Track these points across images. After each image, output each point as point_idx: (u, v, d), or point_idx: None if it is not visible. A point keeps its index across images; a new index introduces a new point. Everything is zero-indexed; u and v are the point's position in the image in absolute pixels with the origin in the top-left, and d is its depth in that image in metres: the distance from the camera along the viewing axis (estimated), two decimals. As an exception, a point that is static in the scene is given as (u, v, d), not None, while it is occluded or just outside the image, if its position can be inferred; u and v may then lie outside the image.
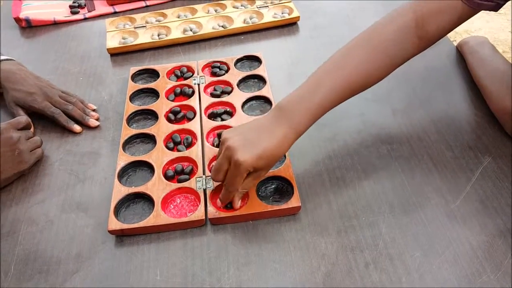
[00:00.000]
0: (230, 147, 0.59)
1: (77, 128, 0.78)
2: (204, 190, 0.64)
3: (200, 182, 0.65)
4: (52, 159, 0.73)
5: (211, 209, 0.62)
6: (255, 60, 0.89)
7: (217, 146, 0.71)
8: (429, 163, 0.67)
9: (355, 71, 0.64)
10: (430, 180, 0.65)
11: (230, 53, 0.94)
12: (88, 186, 0.68)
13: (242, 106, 0.78)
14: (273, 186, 0.65)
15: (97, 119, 0.80)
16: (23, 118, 0.72)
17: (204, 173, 0.67)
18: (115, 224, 0.60)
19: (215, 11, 1.04)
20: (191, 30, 0.98)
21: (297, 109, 0.61)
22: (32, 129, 0.75)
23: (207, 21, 1.00)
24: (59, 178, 0.70)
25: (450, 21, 0.65)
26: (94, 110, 0.82)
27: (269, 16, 1.01)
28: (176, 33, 0.97)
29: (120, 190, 0.65)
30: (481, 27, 2.38)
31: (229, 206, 0.63)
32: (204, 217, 0.61)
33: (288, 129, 0.60)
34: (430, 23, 0.65)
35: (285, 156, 0.68)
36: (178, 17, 1.03)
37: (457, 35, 2.10)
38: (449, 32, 0.67)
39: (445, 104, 0.78)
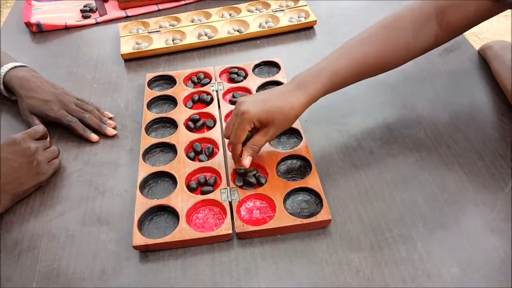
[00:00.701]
0: (240, 102, 0.64)
1: (94, 137, 0.76)
2: (230, 203, 0.62)
3: (225, 194, 0.63)
4: (69, 170, 0.71)
5: (238, 223, 0.60)
6: (273, 65, 0.88)
7: (240, 156, 0.69)
8: (459, 172, 0.66)
9: (374, 52, 0.66)
10: (463, 190, 0.63)
11: (246, 58, 0.92)
12: (108, 198, 0.66)
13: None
14: (299, 198, 0.63)
15: (114, 128, 0.78)
16: (40, 127, 0.70)
17: (228, 185, 0.65)
18: (139, 239, 0.58)
19: (230, 15, 1.02)
20: (206, 35, 0.96)
21: (313, 79, 0.65)
22: (48, 139, 0.73)
23: (222, 26, 0.98)
24: (78, 189, 0.68)
25: (471, 13, 0.64)
26: (110, 118, 0.80)
27: (285, 20, 0.99)
28: (191, 38, 0.95)
29: (143, 203, 0.63)
30: (488, 28, 2.36)
31: (241, 171, 0.65)
32: (231, 231, 0.59)
33: (302, 93, 0.64)
34: (452, 13, 0.65)
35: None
36: (192, 21, 1.01)
37: (469, 37, 2.08)
38: (471, 26, 0.67)
39: (471, 110, 0.76)
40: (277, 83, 0.82)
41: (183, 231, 0.59)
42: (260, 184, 0.65)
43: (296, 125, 0.72)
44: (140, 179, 0.66)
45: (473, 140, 0.70)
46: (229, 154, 0.69)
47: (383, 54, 0.67)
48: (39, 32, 1.03)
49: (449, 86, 0.81)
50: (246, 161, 0.63)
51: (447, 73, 0.84)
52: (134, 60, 0.93)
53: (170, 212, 0.63)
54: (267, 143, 0.67)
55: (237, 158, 0.65)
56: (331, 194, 0.64)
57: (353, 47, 0.68)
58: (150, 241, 0.58)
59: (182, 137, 0.73)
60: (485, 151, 0.69)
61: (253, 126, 0.63)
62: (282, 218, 0.59)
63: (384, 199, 0.63)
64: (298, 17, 0.99)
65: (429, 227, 0.59)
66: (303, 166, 0.68)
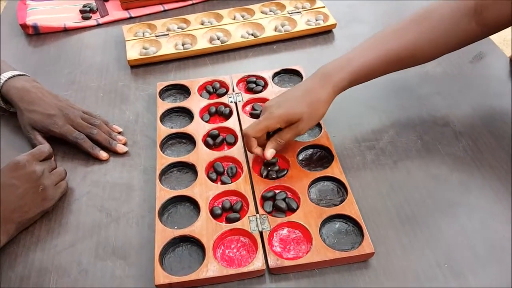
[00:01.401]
0: (266, 107, 0.64)
1: (103, 155, 0.69)
2: (261, 233, 0.56)
3: (254, 223, 0.57)
4: (78, 193, 0.65)
5: (271, 257, 0.54)
6: (293, 73, 0.81)
7: (267, 177, 0.64)
8: (508, 199, 0.60)
9: (404, 45, 0.64)
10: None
11: (263, 64, 0.86)
12: (123, 226, 0.60)
13: (287, 128, 0.70)
14: (336, 226, 0.58)
15: (125, 144, 0.71)
16: (45, 147, 0.63)
17: (256, 211, 0.59)
18: (163, 277, 0.52)
19: (242, 17, 0.95)
20: (218, 39, 0.90)
21: (340, 70, 0.63)
22: (53, 158, 0.66)
23: (235, 29, 0.91)
24: (88, 216, 0.62)
25: (510, 11, 0.61)
26: (120, 133, 0.73)
27: (302, 23, 0.92)
28: (202, 43, 0.89)
29: (163, 233, 0.57)
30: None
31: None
32: (264, 267, 0.53)
33: (327, 86, 0.63)
34: (490, 10, 0.62)
35: (346, 193, 0.60)
36: (202, 24, 0.94)
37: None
38: (509, 25, 0.63)
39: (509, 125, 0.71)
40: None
41: (211, 267, 0.53)
42: (291, 210, 0.59)
43: (327, 142, 0.67)
44: (158, 204, 0.60)
45: (516, 159, 0.66)
46: (255, 175, 0.63)
47: (416, 47, 0.65)
48: (36, 34, 0.95)
49: (484, 97, 0.76)
50: (268, 153, 0.62)
51: (480, 84, 0.79)
52: (141, 66, 0.86)
53: (194, 243, 0.57)
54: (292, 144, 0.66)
55: (248, 146, 0.64)
56: (369, 220, 0.58)
57: (384, 38, 0.66)
58: (175, 279, 0.52)
59: (201, 156, 0.66)
60: (530, 171, 0.64)
61: (278, 127, 0.62)
62: (320, 251, 0.54)
63: (428, 227, 0.58)
64: (316, 20, 0.93)
65: (481, 260, 0.54)
66: (337, 188, 0.62)
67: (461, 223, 0.58)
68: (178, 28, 0.93)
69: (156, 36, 0.90)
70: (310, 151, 0.67)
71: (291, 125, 0.62)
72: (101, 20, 0.99)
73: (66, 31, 0.97)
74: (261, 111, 0.66)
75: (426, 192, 0.62)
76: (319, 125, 0.70)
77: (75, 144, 0.69)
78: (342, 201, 0.59)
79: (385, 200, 0.61)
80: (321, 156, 0.67)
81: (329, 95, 0.63)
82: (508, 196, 0.61)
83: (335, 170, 0.63)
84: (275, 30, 0.91)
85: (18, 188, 0.57)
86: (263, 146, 0.64)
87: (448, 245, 0.56)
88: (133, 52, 0.87)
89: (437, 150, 0.67)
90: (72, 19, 0.99)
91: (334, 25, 0.92)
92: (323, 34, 0.92)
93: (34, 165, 0.59)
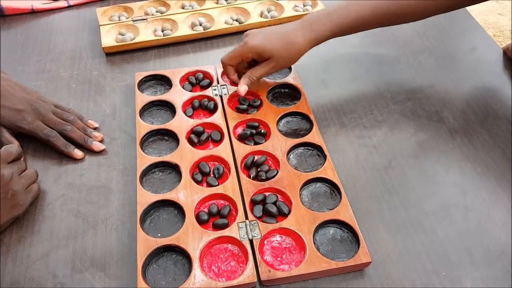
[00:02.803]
0: (245, 34, 0.68)
1: (78, 153, 0.64)
2: (251, 241, 0.53)
3: (243, 230, 0.54)
4: (51, 196, 0.60)
5: (263, 268, 0.51)
6: (281, 64, 0.77)
7: (256, 179, 0.60)
8: (505, 201, 0.59)
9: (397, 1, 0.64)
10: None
11: (248, 53, 0.81)
12: (101, 234, 0.56)
13: (277, 123, 0.67)
14: (330, 232, 0.55)
15: (101, 141, 0.66)
16: (13, 147, 0.58)
17: (246, 217, 0.55)
18: (146, 291, 0.49)
19: (226, 1, 0.90)
20: (201, 25, 0.84)
21: (324, 19, 0.65)
22: (22, 158, 0.61)
23: (218, 14, 0.86)
24: (63, 222, 0.57)
25: None
26: (95, 129, 0.68)
27: (290, 8, 0.88)
28: (183, 29, 0.83)
29: (146, 243, 0.52)
30: (471, 8, 2.31)
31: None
32: (255, 279, 0.50)
33: (308, 32, 0.65)
34: None
35: (340, 195, 0.57)
36: (183, 8, 0.88)
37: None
38: None
39: (506, 122, 0.69)
40: (290, 87, 0.72)
41: (198, 280, 0.49)
42: (283, 215, 0.56)
43: (318, 140, 0.63)
44: (140, 210, 0.56)
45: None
46: (243, 177, 0.60)
47: (406, 4, 0.64)
48: (0, 16, 0.88)
49: (480, 92, 0.73)
50: (242, 89, 0.66)
51: (475, 78, 0.76)
52: (117, 54, 0.80)
53: (179, 252, 0.53)
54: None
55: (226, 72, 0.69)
56: (364, 225, 0.56)
57: None
58: (160, 293, 0.49)
59: (185, 155, 0.62)
60: (525, 170, 0.62)
61: (251, 57, 0.66)
62: (315, 261, 0.51)
63: (425, 231, 0.56)
64: (304, 6, 0.89)
65: (477, 265, 0.53)
66: (330, 190, 0.59)
67: (457, 226, 0.56)
68: (156, 11, 0.87)
69: (134, 21, 0.84)
70: (301, 150, 0.64)
71: (263, 62, 0.66)
72: (72, 1, 0.91)
73: (34, 13, 0.89)
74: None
75: (421, 192, 0.59)
76: (310, 122, 0.67)
77: (47, 142, 0.63)
78: (335, 205, 0.56)
79: (379, 203, 0.59)
80: (312, 155, 0.63)
81: (307, 43, 0.65)
82: (506, 199, 0.59)
83: (328, 171, 0.60)
84: (261, 16, 0.86)
85: None
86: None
87: (444, 249, 0.54)
88: (109, 38, 0.81)
89: (431, 147, 0.65)
90: (41, 0, 0.91)
91: (322, 11, 0.87)
92: (311, 20, 0.88)
93: (1, 168, 0.54)
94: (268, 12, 0.87)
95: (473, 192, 0.60)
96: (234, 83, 0.70)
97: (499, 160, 0.63)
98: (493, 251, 0.54)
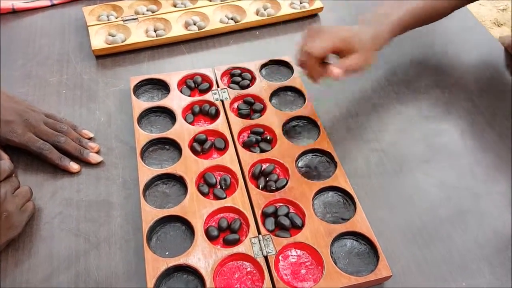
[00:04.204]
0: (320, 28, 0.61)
1: (74, 166, 0.60)
2: (266, 258, 0.51)
3: (257, 245, 0.51)
4: (48, 215, 0.56)
5: (280, 286, 0.48)
6: (282, 64, 0.74)
7: (265, 189, 0.57)
8: (517, 203, 0.58)
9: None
10: (525, 226, 0.56)
11: (246, 52, 0.78)
12: (105, 254, 0.52)
13: (282, 128, 0.64)
14: (347, 245, 0.53)
15: (98, 152, 0.62)
16: (5, 164, 0.53)
17: (258, 231, 0.53)
18: (159, 316, 0.46)
19: (220, -2, 0.86)
20: (195, 24, 0.80)
21: (382, 23, 0.63)
22: (14, 174, 0.57)
23: (212, 12, 0.82)
24: (63, 242, 0.53)
25: None
26: (91, 139, 0.64)
27: (286, 6, 0.84)
28: (177, 28, 0.79)
29: (155, 263, 0.49)
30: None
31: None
32: (274, 298, 0.48)
33: (383, 24, 0.63)
34: None
35: (353, 204, 0.55)
36: (175, 6, 0.84)
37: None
38: None
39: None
40: (294, 90, 0.70)
41: (214, 301, 0.47)
42: (296, 227, 0.54)
43: (327, 146, 0.61)
44: (145, 227, 0.52)
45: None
46: (252, 188, 0.57)
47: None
48: (-21, 17, 0.82)
49: (483, 90, 0.72)
50: (335, 70, 0.58)
51: (476, 76, 0.75)
52: (109, 56, 0.76)
53: (190, 272, 0.50)
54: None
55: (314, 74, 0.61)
56: (381, 236, 0.54)
57: None
58: (174, 319, 0.46)
59: (189, 166, 0.59)
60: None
61: (339, 49, 0.60)
62: (334, 277, 0.49)
63: (442, 240, 0.54)
64: (301, 3, 0.86)
65: (497, 274, 0.52)
66: (343, 199, 0.57)
67: (473, 233, 0.55)
68: (147, 10, 0.83)
69: (124, 21, 0.79)
70: (309, 156, 0.62)
71: (353, 55, 0.59)
72: (56, 1, 0.86)
73: (15, 12, 0.84)
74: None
75: (436, 199, 0.58)
76: (317, 127, 0.64)
77: (40, 155, 0.59)
78: (350, 215, 0.54)
79: (394, 212, 0.57)
80: (322, 162, 0.61)
81: (388, 28, 0.63)
82: (519, 202, 0.58)
83: (340, 178, 0.58)
84: (257, 14, 0.83)
85: None
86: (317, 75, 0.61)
87: (462, 258, 0.53)
88: (98, 40, 0.76)
89: (441, 151, 0.64)
90: (22, -2, 0.86)
91: (320, 9, 0.85)
92: (309, 18, 0.85)
93: None
94: (265, 10, 0.83)
95: (486, 196, 0.59)
96: (313, 78, 0.62)
97: (509, 159, 0.62)
98: (510, 257, 0.53)
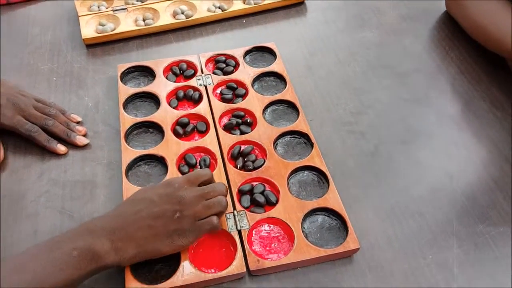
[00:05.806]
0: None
1: (61, 148, 0.63)
2: (239, 231, 0.53)
3: (231, 220, 0.54)
4: (34, 193, 0.58)
5: (251, 258, 0.50)
6: (266, 51, 0.76)
7: (243, 169, 0.59)
8: (490, 182, 0.59)
9: None
10: (494, 201, 0.57)
11: (232, 40, 0.80)
12: (88, 230, 0.55)
13: (263, 112, 0.66)
14: (318, 220, 0.55)
15: (85, 135, 0.65)
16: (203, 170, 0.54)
17: (234, 207, 0.55)
18: (134, 284, 0.48)
19: (208, -13, 0.88)
20: (183, 13, 0.82)
21: None
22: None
23: (200, 1, 0.84)
24: (48, 220, 0.56)
25: None
26: (78, 123, 0.66)
27: (272, -6, 0.86)
28: (165, 18, 0.81)
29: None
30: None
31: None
32: (244, 270, 0.50)
33: None
34: None
35: (327, 183, 0.57)
36: (164, -4, 0.86)
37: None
38: None
39: (489, 103, 0.69)
40: (275, 75, 0.71)
41: (187, 272, 0.49)
42: (270, 204, 0.56)
43: (305, 128, 0.63)
44: (126, 204, 0.55)
45: (500, 147, 0.64)
46: (230, 167, 0.59)
47: None
48: (-25, 9, 0.85)
49: (464, 74, 0.73)
50: None
51: (459, 62, 0.76)
52: (98, 45, 0.79)
53: (167, 246, 0.52)
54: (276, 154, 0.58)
55: None
56: (352, 212, 0.55)
57: None
58: (148, 288, 0.48)
59: (171, 147, 0.61)
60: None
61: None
62: (303, 250, 0.51)
63: (413, 217, 0.56)
64: (287, -9, 0.87)
65: (464, 248, 0.53)
66: (318, 178, 0.59)
67: (444, 210, 0.57)
68: (137, 0, 0.85)
69: (114, 11, 0.82)
70: (287, 138, 0.63)
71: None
72: (50, -8, 0.89)
73: (9, 4, 0.86)
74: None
75: (410, 178, 0.60)
76: (296, 109, 0.66)
77: (28, 137, 0.62)
78: (323, 193, 0.56)
79: (367, 189, 0.59)
80: (299, 143, 0.63)
81: None
82: (490, 181, 0.59)
83: (315, 159, 0.60)
84: (244, 3, 0.85)
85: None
86: None
87: (433, 233, 0.54)
88: (89, 29, 0.79)
89: (418, 132, 0.65)
90: (16, -10, 0.88)
91: (306, -4, 0.86)
92: (295, 6, 0.87)
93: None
94: (251, -1, 0.85)
95: (459, 174, 0.60)
96: None
97: (483, 144, 0.63)
98: (478, 233, 0.54)
